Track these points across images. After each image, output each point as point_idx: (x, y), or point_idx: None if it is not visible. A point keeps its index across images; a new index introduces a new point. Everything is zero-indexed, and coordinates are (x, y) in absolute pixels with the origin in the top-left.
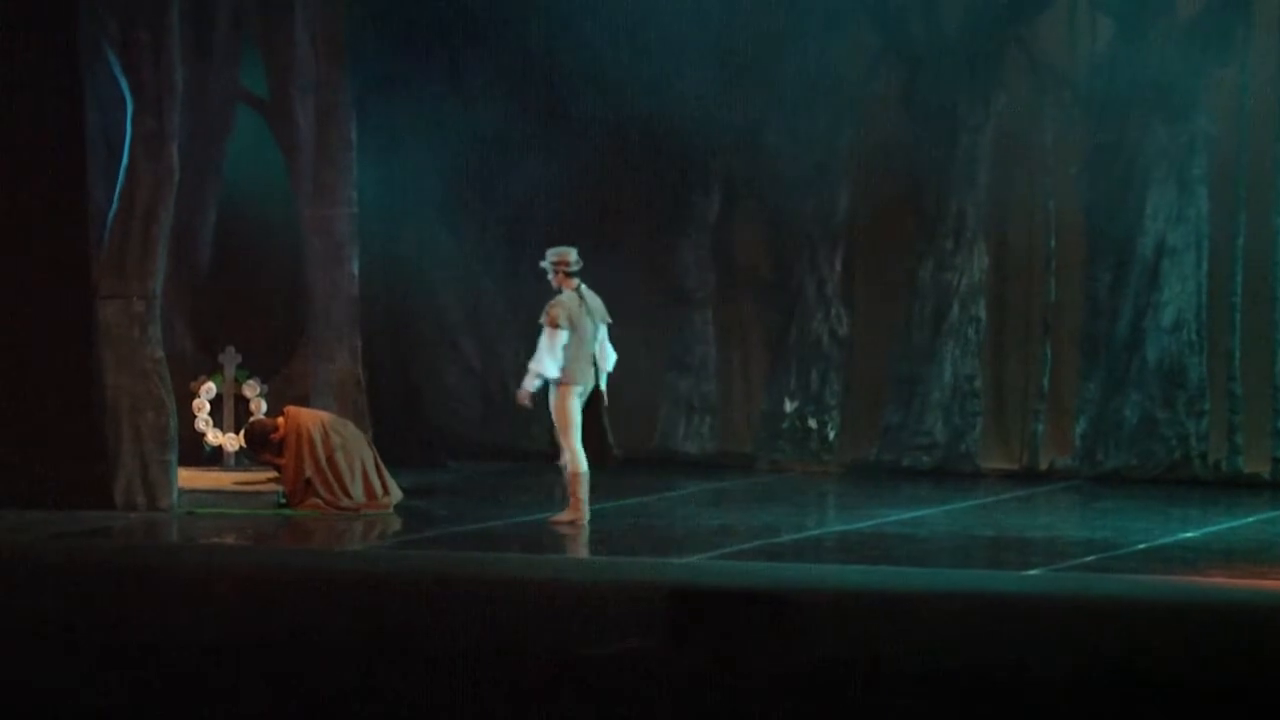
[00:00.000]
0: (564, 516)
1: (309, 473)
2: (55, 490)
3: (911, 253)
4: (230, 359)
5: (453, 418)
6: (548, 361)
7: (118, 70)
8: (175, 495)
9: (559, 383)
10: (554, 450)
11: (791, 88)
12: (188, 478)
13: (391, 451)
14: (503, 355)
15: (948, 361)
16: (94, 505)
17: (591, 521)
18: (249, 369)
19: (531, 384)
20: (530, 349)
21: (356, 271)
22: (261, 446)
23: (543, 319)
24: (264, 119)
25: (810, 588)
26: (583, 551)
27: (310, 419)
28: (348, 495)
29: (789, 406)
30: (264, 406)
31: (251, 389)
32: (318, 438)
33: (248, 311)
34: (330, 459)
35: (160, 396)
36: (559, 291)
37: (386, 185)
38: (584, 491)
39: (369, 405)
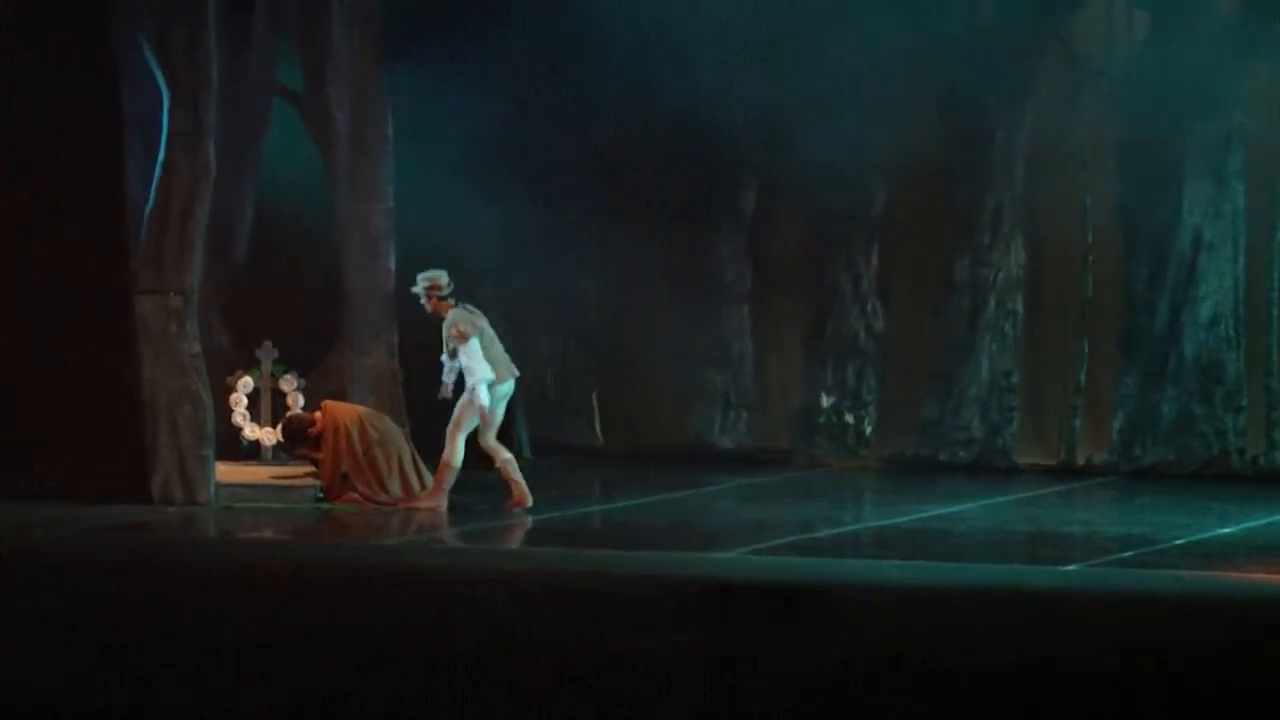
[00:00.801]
0: (421, 502)
1: (346, 467)
2: (93, 485)
3: (948, 248)
4: (267, 354)
5: None
6: (481, 369)
7: (154, 66)
8: (213, 490)
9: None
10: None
11: (828, 83)
12: (225, 472)
13: (429, 447)
14: (540, 349)
15: (984, 357)
16: (131, 500)
17: (629, 514)
18: (286, 364)
19: (484, 396)
20: (566, 341)
21: (393, 266)
22: (299, 441)
23: (451, 340)
24: (300, 114)
25: (847, 583)
26: (620, 546)
27: (347, 413)
28: (385, 490)
29: (825, 402)
30: (301, 401)
31: (288, 384)
32: (355, 432)
33: (285, 306)
34: (367, 453)
35: (197, 391)
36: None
37: (423, 180)
38: (448, 483)
39: (405, 400)
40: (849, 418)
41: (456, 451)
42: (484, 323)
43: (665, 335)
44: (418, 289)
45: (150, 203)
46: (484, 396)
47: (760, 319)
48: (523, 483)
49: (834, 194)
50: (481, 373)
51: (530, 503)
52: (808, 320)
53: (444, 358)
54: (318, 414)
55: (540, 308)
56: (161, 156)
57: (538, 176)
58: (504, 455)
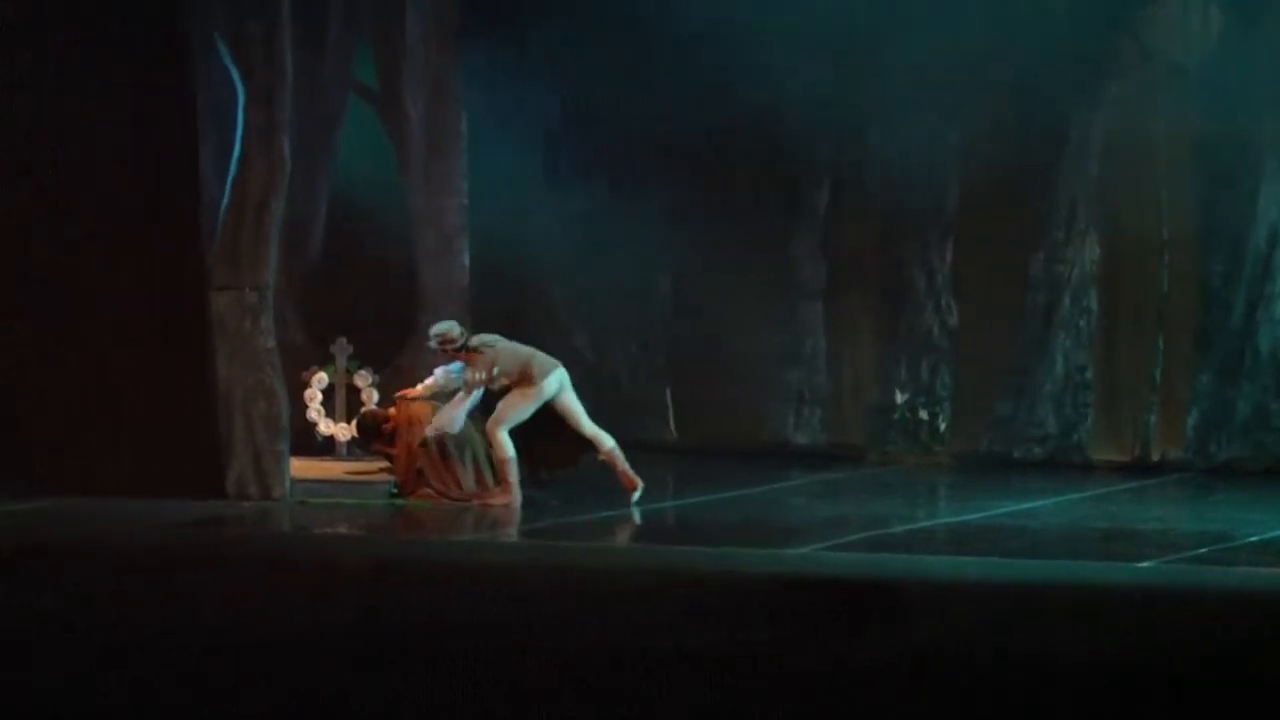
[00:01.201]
0: (494, 498)
1: (420, 462)
2: (167, 480)
3: (1022, 244)
4: (342, 349)
5: None
6: (453, 420)
7: (229, 61)
8: (287, 485)
9: (520, 389)
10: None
11: (901, 78)
12: (300, 468)
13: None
14: (615, 346)
15: (1059, 353)
16: (206, 495)
17: (702, 511)
18: (360, 359)
19: (433, 434)
20: (640, 337)
21: (467, 263)
22: (373, 437)
23: (470, 381)
24: (375, 110)
25: (920, 579)
26: (693, 542)
27: (421, 409)
28: (459, 486)
29: (900, 398)
30: (375, 397)
31: (363, 379)
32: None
33: (359, 302)
34: (441, 449)
35: (272, 387)
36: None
37: (497, 176)
38: (514, 476)
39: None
40: (923, 414)
41: (503, 445)
42: (502, 345)
43: (739, 332)
44: (431, 344)
45: (225, 199)
46: (439, 427)
47: (834, 315)
48: (629, 470)
49: (908, 190)
50: (453, 420)
51: (640, 488)
52: (881, 316)
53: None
54: (392, 409)
55: (614, 304)
56: (237, 152)
57: (611, 173)
58: (608, 444)
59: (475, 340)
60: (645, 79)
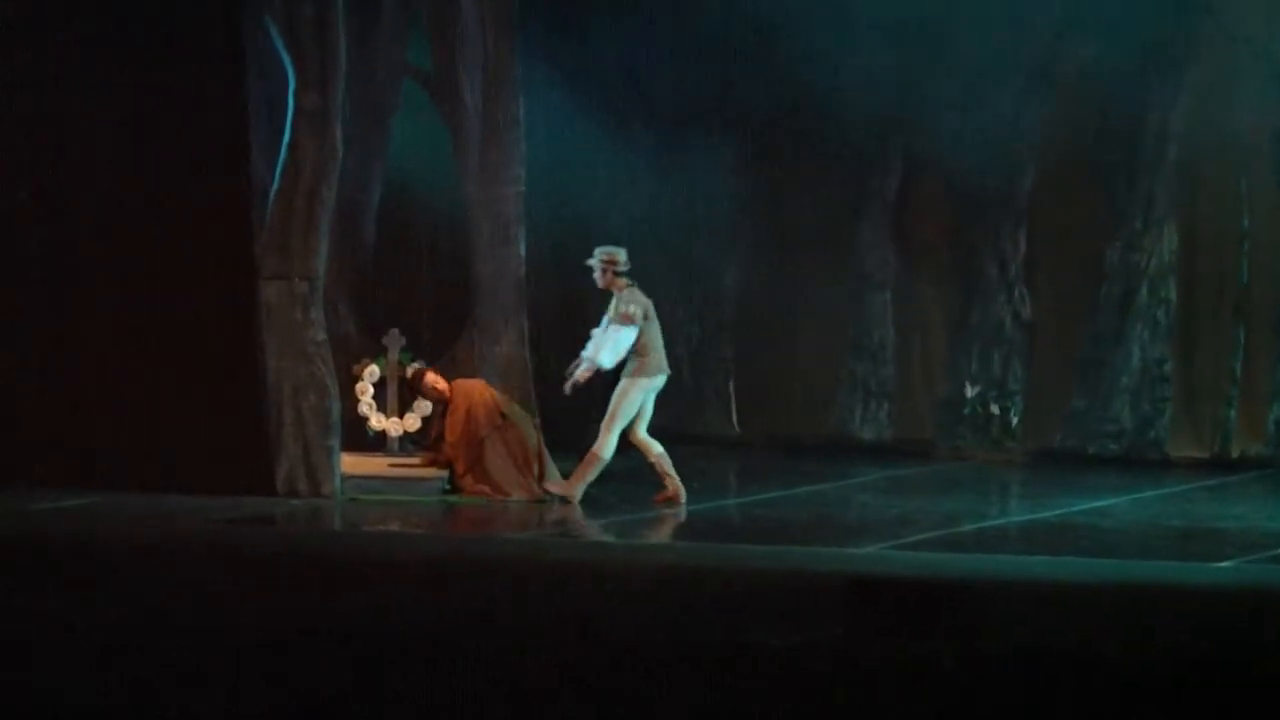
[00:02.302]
0: (559, 487)
1: (483, 454)
2: (215, 476)
3: (1098, 233)
4: (394, 341)
5: None
6: (607, 357)
7: (280, 45)
8: (338, 481)
9: (636, 373)
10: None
11: (974, 61)
12: (350, 463)
13: (563, 438)
14: (677, 337)
15: (1136, 345)
16: (255, 491)
17: (766, 507)
18: (413, 352)
19: (584, 373)
20: (702, 328)
21: (524, 252)
22: (421, 392)
23: (618, 317)
24: (430, 96)
25: (993, 579)
26: (757, 540)
27: (484, 395)
28: (523, 479)
29: (970, 391)
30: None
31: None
32: (482, 413)
33: (412, 293)
34: (506, 441)
35: (323, 380)
36: (610, 292)
37: (554, 164)
38: (592, 475)
39: (535, 389)
40: (994, 408)
41: (608, 445)
42: (652, 314)
43: (804, 322)
44: (593, 262)
45: (275, 185)
46: (583, 371)
47: (903, 305)
48: (677, 478)
49: (980, 176)
50: (603, 358)
51: (684, 499)
52: (952, 307)
53: (586, 349)
54: (445, 386)
55: (675, 293)
56: (287, 138)
57: (673, 159)
58: (656, 450)
59: (638, 291)
60: (708, 61)
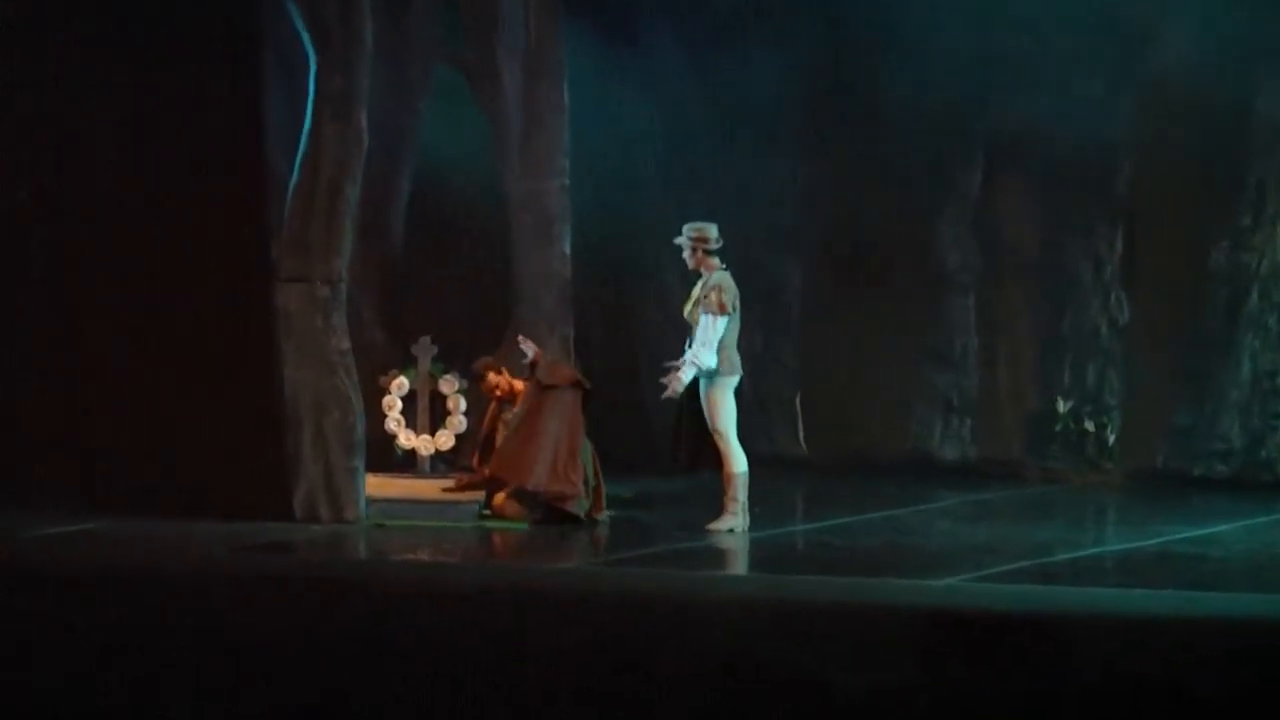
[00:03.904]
0: (721, 524)
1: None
2: (228, 499)
3: (1203, 231)
4: (425, 351)
5: None
6: (705, 352)
7: (301, 24)
8: (362, 506)
9: (717, 374)
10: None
11: (1066, 46)
12: (376, 485)
13: (612, 454)
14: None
15: (1245, 355)
16: (270, 517)
17: (836, 534)
18: (446, 362)
19: (687, 375)
20: (765, 336)
21: (568, 250)
22: (480, 383)
23: (706, 304)
24: (466, 81)
25: (1086, 615)
26: (827, 571)
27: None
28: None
29: (1062, 406)
30: (463, 405)
31: (449, 385)
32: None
33: (445, 297)
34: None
35: (346, 393)
36: (698, 273)
37: (602, 155)
38: (743, 494)
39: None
40: (1089, 425)
41: (735, 458)
42: (739, 306)
43: (878, 330)
44: (681, 240)
45: (294, 178)
46: (687, 378)
47: (987, 311)
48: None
49: (1072, 169)
50: (704, 358)
51: (743, 529)
52: (1042, 312)
53: (689, 344)
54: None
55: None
56: (308, 125)
57: (731, 150)
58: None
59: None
60: (770, 43)
